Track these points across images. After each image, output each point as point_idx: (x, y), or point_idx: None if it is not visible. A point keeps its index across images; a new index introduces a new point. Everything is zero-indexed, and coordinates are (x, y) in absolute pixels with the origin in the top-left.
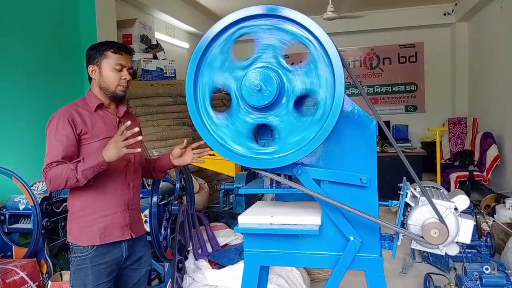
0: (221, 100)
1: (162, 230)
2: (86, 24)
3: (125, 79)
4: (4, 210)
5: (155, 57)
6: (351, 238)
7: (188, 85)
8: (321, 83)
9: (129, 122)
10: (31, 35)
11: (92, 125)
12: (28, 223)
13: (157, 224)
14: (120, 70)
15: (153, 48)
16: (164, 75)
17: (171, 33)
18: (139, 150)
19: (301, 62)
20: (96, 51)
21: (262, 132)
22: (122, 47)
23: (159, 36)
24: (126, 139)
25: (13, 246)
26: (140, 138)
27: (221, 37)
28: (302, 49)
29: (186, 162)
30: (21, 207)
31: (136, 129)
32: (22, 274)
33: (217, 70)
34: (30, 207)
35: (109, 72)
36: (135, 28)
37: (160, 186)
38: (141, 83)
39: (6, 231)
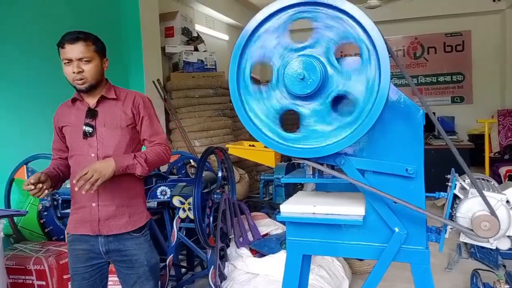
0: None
1: (205, 218)
2: (130, 18)
3: (74, 72)
4: (57, 196)
5: (196, 49)
6: (396, 229)
7: (235, 53)
8: (367, 89)
9: (32, 181)
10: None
11: (69, 117)
12: None
13: (201, 211)
14: (70, 64)
15: (194, 40)
16: (205, 67)
17: (211, 25)
18: (46, 192)
19: (351, 55)
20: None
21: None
22: (65, 39)
23: (199, 28)
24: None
25: (65, 230)
26: (40, 186)
27: (279, 15)
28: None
29: None
30: None
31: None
32: None
33: (265, 42)
34: None
35: (64, 68)
36: (176, 21)
37: (203, 175)
38: (183, 75)
39: (59, 215)
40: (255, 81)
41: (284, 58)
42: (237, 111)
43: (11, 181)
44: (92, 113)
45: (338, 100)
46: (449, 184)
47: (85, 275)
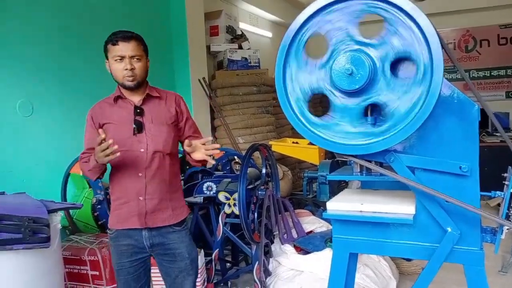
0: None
1: (250, 214)
2: (177, 17)
3: (126, 69)
4: (109, 190)
5: (240, 47)
6: (449, 229)
7: (280, 54)
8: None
9: (102, 136)
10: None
11: (111, 115)
12: None
13: (246, 207)
14: (121, 61)
15: (238, 38)
16: (249, 64)
17: (255, 22)
18: (118, 155)
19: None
20: (104, 47)
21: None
22: (119, 37)
23: (243, 26)
24: (103, 150)
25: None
26: (115, 147)
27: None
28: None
29: (197, 158)
30: None
31: (110, 141)
32: None
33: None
34: None
35: (114, 65)
36: (221, 19)
37: (248, 171)
38: (227, 73)
39: (97, 213)
40: None
41: (343, 45)
42: (283, 108)
43: (67, 176)
44: (140, 111)
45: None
46: (506, 183)
47: (130, 270)
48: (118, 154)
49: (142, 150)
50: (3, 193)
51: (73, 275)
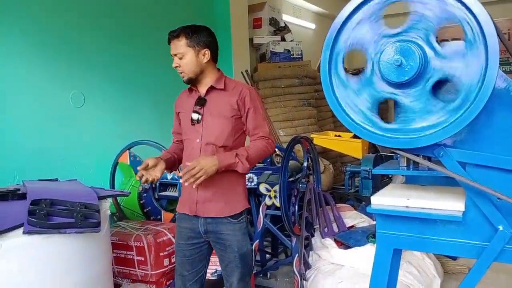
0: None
1: (291, 206)
2: (221, 10)
3: (174, 67)
4: None
5: (282, 39)
6: (500, 227)
7: (327, 44)
8: (469, 71)
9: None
10: (172, 24)
11: (184, 104)
12: (174, 191)
13: (286, 200)
14: (174, 59)
15: (281, 30)
16: (291, 56)
17: (298, 14)
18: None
19: (453, 39)
20: None
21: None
22: (169, 37)
23: (286, 18)
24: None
25: (162, 211)
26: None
27: (371, 2)
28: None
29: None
30: (169, 177)
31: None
32: (170, 236)
33: (359, 30)
34: (176, 177)
35: None
36: (264, 12)
37: (289, 164)
38: (270, 65)
39: (157, 197)
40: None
41: (379, 45)
42: (329, 103)
43: (115, 165)
44: (201, 101)
45: (437, 88)
46: None
47: (185, 252)
48: (151, 178)
49: (197, 140)
50: (56, 179)
51: (120, 259)
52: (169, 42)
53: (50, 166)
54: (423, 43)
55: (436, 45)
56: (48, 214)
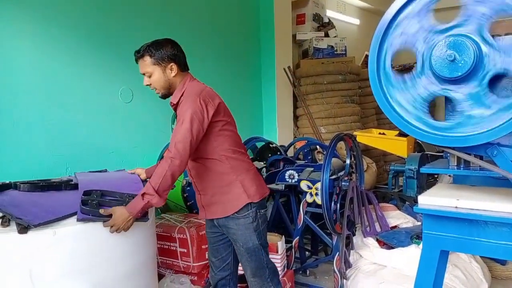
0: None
1: (332, 204)
2: (265, 6)
3: (146, 85)
4: None
5: (326, 35)
6: None
7: (375, 42)
8: None
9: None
10: (218, 24)
11: None
12: None
13: (328, 197)
14: (144, 78)
15: (325, 26)
16: (335, 52)
17: (342, 9)
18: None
19: (506, 34)
20: None
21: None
22: (135, 57)
23: (330, 13)
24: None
25: None
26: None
27: None
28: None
29: None
30: None
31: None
32: None
33: (408, 26)
34: None
35: None
36: (308, 7)
37: (332, 162)
38: (312, 61)
39: (186, 194)
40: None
41: (429, 42)
42: (378, 102)
43: (161, 159)
44: (174, 114)
45: (492, 84)
46: None
47: (210, 239)
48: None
49: None
50: (105, 170)
51: (164, 250)
52: (136, 61)
53: (100, 159)
54: (477, 37)
55: (491, 39)
56: (99, 204)
